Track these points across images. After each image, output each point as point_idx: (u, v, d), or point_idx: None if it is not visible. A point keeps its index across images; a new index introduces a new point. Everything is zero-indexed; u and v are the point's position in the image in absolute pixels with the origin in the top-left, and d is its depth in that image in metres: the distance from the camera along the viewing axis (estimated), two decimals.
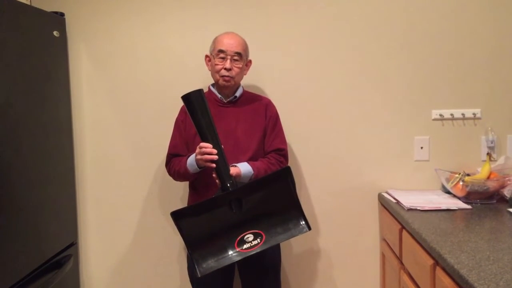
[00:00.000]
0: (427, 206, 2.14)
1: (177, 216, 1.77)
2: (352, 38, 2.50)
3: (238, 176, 1.99)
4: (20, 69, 2.08)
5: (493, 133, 2.47)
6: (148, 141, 2.59)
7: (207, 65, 2.25)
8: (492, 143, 2.47)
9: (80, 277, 2.66)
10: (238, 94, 2.23)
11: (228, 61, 2.13)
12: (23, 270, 2.06)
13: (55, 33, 2.40)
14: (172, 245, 2.62)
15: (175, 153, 2.22)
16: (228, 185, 1.87)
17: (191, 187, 2.27)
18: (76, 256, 2.57)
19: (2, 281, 1.91)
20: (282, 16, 2.50)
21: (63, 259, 2.40)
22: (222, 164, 1.89)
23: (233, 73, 2.14)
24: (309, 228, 1.85)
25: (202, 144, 1.91)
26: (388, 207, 2.31)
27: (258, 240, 1.82)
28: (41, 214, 2.22)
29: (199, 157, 1.93)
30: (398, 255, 2.16)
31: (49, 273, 2.25)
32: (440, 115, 2.49)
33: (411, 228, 1.91)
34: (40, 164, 2.23)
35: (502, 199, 2.24)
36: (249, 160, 2.11)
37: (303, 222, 1.85)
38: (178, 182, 2.44)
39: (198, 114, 1.88)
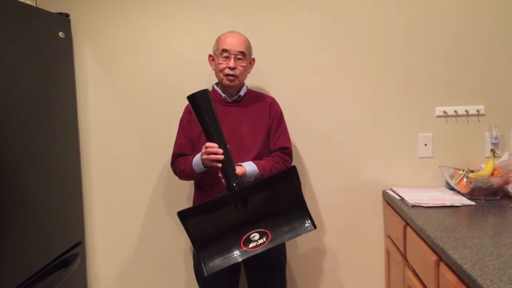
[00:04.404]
0: (431, 203, 2.15)
1: (183, 215, 1.78)
2: (354, 36, 2.50)
3: (244, 175, 2.01)
4: (26, 70, 2.10)
5: (496, 129, 2.47)
6: (153, 141, 2.60)
7: (211, 64, 2.26)
8: (496, 139, 2.47)
9: (87, 275, 2.69)
10: (242, 93, 2.24)
11: (232, 60, 2.14)
12: (31, 268, 2.09)
13: (61, 34, 2.42)
14: (178, 243, 2.64)
15: (181, 152, 2.23)
16: (234, 184, 1.88)
17: (197, 186, 2.28)
18: (83, 254, 2.59)
19: (10, 280, 1.93)
20: (284, 16, 2.51)
21: (70, 257, 2.42)
22: (228, 164, 1.90)
23: (237, 72, 2.15)
24: (315, 227, 1.86)
25: (208, 144, 1.93)
26: (393, 204, 2.32)
27: (264, 239, 1.83)
28: (48, 214, 2.24)
29: (205, 156, 1.95)
30: (402, 251, 2.17)
31: (57, 271, 2.27)
32: (444, 112, 2.49)
33: (415, 224, 1.92)
34: (47, 164, 2.25)
35: (506, 195, 2.25)
36: (254, 159, 2.13)
37: (309, 221, 1.86)
38: (184, 182, 2.46)
39: (204, 114, 1.89)
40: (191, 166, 2.10)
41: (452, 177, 2.33)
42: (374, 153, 2.54)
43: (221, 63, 2.15)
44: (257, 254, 1.81)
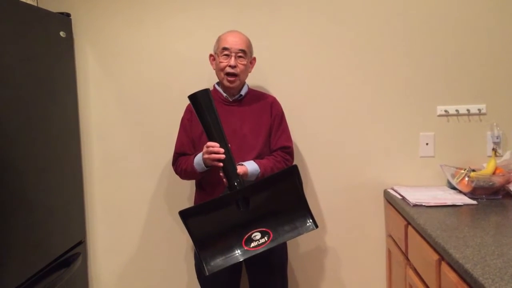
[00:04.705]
0: (433, 202, 2.14)
1: (185, 215, 1.78)
2: (356, 35, 2.50)
3: (245, 174, 2.01)
4: (27, 69, 2.10)
5: (498, 128, 2.47)
6: (154, 140, 2.60)
7: (212, 64, 2.26)
8: (497, 138, 2.46)
9: (89, 275, 2.69)
10: (243, 92, 2.24)
11: (233, 58, 2.14)
12: (32, 268, 2.08)
13: (62, 33, 2.42)
14: (179, 243, 2.64)
15: (182, 152, 2.23)
16: (235, 184, 1.88)
17: (198, 186, 2.28)
18: (84, 254, 2.59)
19: (11, 279, 1.93)
20: (285, 16, 2.51)
21: (71, 257, 2.42)
22: (229, 163, 1.90)
23: (238, 70, 2.15)
24: (316, 226, 1.86)
25: (210, 143, 1.92)
26: (394, 204, 2.32)
27: (266, 238, 1.83)
28: (50, 213, 2.24)
29: (206, 156, 1.95)
30: (404, 250, 2.16)
31: (58, 271, 2.27)
32: (445, 111, 2.49)
33: (416, 224, 1.92)
34: (48, 163, 2.25)
35: (508, 195, 2.24)
36: (255, 159, 2.12)
37: (310, 221, 1.86)
38: (185, 181, 2.46)
39: (205, 113, 1.90)
40: (192, 166, 2.10)
41: (453, 176, 2.33)
42: (375, 152, 2.54)
43: (222, 62, 2.15)
44: (258, 253, 1.81)
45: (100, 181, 2.66)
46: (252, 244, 1.82)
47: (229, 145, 1.93)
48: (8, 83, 1.95)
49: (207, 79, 2.45)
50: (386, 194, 2.48)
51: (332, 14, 2.50)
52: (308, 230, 1.86)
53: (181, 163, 2.20)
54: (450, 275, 1.52)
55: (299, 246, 2.62)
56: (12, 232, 1.94)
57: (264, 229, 1.84)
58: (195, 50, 2.52)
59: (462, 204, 2.13)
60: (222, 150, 1.89)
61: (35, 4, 2.49)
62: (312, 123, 2.55)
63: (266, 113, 2.24)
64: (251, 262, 2.15)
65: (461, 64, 2.47)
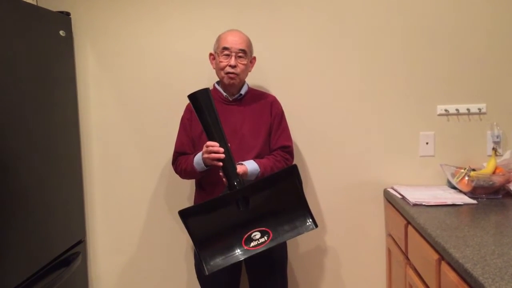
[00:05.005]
0: (433, 202, 2.14)
1: (184, 214, 1.78)
2: (356, 35, 2.50)
3: (245, 174, 2.00)
4: (26, 69, 2.09)
5: (498, 128, 2.47)
6: (154, 140, 2.60)
7: (212, 63, 2.25)
8: (497, 138, 2.46)
9: (88, 274, 2.69)
10: (243, 92, 2.24)
11: (233, 58, 2.13)
12: (32, 267, 2.08)
13: (61, 32, 2.41)
14: (179, 242, 2.64)
15: (182, 151, 2.23)
16: (235, 183, 1.88)
17: (198, 185, 2.28)
18: (84, 253, 2.59)
19: (11, 278, 1.93)
20: (285, 15, 2.51)
21: (71, 256, 2.42)
22: (229, 163, 1.90)
23: (238, 69, 2.15)
24: (316, 226, 1.86)
25: (209, 143, 1.92)
26: (394, 203, 2.32)
27: (265, 238, 1.83)
28: (50, 212, 2.24)
29: (206, 155, 1.94)
30: (403, 250, 2.16)
31: (57, 270, 2.27)
32: (446, 110, 2.49)
33: (416, 223, 1.92)
34: (48, 163, 2.25)
35: (508, 194, 2.24)
36: (255, 158, 2.12)
37: (310, 220, 1.86)
38: (185, 181, 2.46)
39: (205, 113, 1.89)
40: (192, 165, 2.10)
41: (453, 175, 2.33)
42: (375, 152, 2.54)
43: (222, 61, 2.15)
44: (258, 253, 1.81)
45: (100, 180, 2.65)
46: (252, 244, 1.82)
47: (229, 144, 1.93)
48: (8, 82, 1.94)
49: (207, 79, 2.45)
50: (386, 193, 2.48)
51: (332, 14, 2.50)
52: (307, 229, 1.86)
53: (181, 162, 2.20)
54: (450, 275, 1.52)
55: (299, 245, 2.62)
56: (12, 231, 1.94)
57: (264, 228, 1.84)
58: (195, 50, 2.52)
59: (462, 203, 2.13)
60: (221, 149, 1.89)
61: (35, 3, 2.49)
62: (312, 123, 2.54)
63: (266, 113, 2.23)
64: (251, 262, 2.16)
65: (461, 64, 2.47)
